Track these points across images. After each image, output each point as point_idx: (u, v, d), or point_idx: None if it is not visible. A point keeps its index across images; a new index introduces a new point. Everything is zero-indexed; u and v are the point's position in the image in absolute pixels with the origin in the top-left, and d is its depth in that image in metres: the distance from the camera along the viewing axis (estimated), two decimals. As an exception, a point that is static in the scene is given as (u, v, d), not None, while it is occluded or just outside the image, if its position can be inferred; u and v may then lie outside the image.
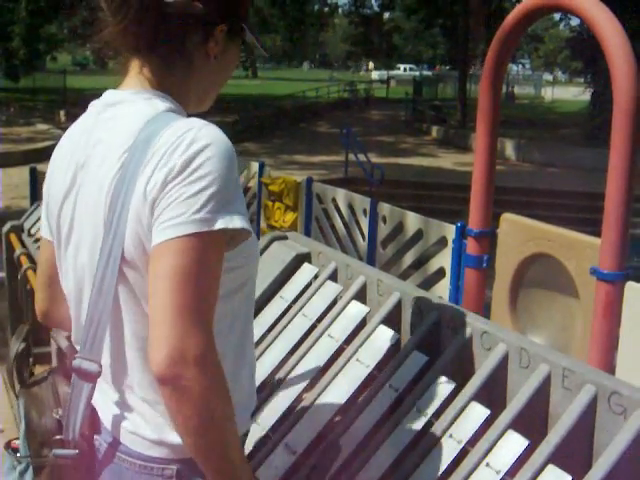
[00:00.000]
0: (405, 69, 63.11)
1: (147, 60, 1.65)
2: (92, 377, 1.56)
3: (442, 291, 5.96)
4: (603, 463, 1.67)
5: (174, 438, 1.54)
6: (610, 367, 4.21)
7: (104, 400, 1.64)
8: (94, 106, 1.69)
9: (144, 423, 1.59)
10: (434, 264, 6.44)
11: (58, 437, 1.59)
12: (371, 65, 64.03)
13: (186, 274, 1.42)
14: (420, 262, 6.76)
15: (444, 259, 6.21)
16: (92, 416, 1.62)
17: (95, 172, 1.57)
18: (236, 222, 1.48)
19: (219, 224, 1.45)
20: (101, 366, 1.56)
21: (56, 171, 1.68)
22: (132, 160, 1.50)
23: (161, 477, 1.57)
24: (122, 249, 1.50)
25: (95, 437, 1.63)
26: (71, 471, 1.58)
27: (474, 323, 2.10)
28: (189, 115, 1.66)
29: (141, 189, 1.48)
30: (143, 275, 1.50)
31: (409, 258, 6.91)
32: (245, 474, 1.52)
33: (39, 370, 3.40)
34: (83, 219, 1.60)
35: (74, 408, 1.58)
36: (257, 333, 2.45)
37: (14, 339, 2.30)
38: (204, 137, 1.49)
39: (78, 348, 1.60)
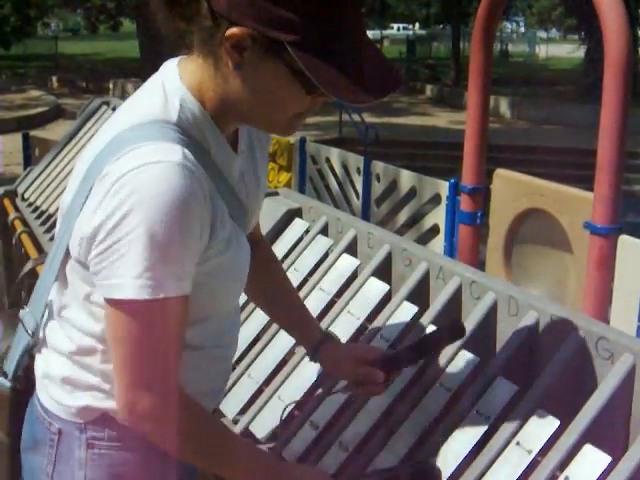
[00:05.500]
0: (399, 28, 62.73)
1: (195, 46, 1.48)
2: (29, 332, 1.64)
3: (436, 248, 5.98)
4: (591, 407, 1.68)
5: (55, 393, 1.60)
6: (604, 320, 4.23)
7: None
8: None
9: (40, 366, 1.64)
10: (428, 221, 6.46)
11: (1, 366, 1.69)
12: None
13: (123, 338, 1.42)
14: (414, 220, 6.78)
15: (438, 216, 6.23)
16: None
17: (89, 147, 1.54)
18: (184, 288, 1.40)
19: (161, 292, 1.37)
20: (38, 326, 1.63)
21: None
22: (98, 160, 1.43)
23: (48, 431, 1.60)
24: (67, 244, 1.50)
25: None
26: (5, 400, 1.68)
27: (463, 273, 2.11)
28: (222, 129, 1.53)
29: (87, 211, 1.42)
30: (73, 267, 1.51)
31: (403, 216, 6.93)
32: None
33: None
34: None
35: (14, 350, 1.67)
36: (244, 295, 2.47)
37: (30, 261, 2.40)
38: (151, 185, 1.34)
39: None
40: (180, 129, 1.44)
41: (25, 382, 1.67)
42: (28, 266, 2.35)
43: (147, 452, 1.57)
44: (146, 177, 1.34)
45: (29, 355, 1.66)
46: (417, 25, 55.39)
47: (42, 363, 1.64)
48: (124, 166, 1.37)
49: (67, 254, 1.51)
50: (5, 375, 1.67)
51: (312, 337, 1.96)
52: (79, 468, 1.56)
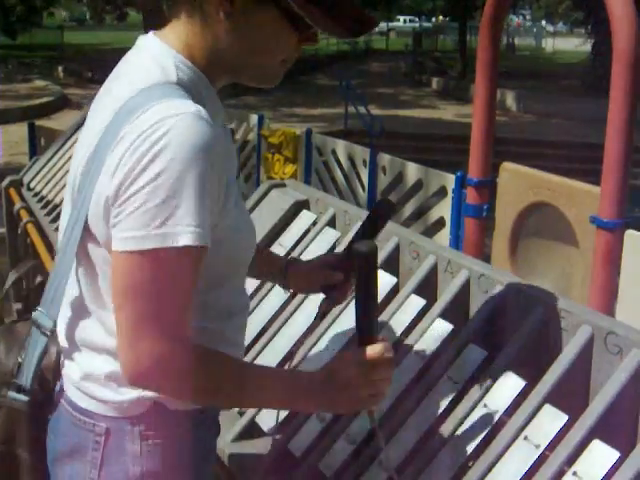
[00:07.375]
0: (405, 21, 62.69)
1: (174, 9, 1.54)
2: (46, 332, 1.58)
3: (442, 241, 5.98)
4: (599, 402, 1.68)
5: (100, 393, 1.54)
6: (610, 315, 4.22)
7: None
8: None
9: (76, 370, 1.58)
10: (434, 214, 6.45)
11: (15, 381, 1.60)
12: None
13: (139, 289, 1.39)
14: (420, 212, 6.77)
15: (444, 209, 6.22)
16: (56, 362, 1.66)
17: (90, 127, 1.54)
18: (203, 238, 1.39)
19: (183, 240, 1.36)
20: (56, 324, 1.57)
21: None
22: (110, 129, 1.43)
23: (92, 433, 1.55)
24: (86, 219, 1.46)
25: (57, 382, 1.66)
26: (23, 416, 1.60)
27: (471, 266, 2.11)
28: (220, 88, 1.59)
29: (107, 173, 1.40)
30: (101, 252, 1.47)
31: (409, 208, 6.92)
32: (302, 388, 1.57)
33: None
34: (71, 171, 1.58)
35: (29, 357, 1.60)
36: (257, 281, 2.47)
37: (12, 272, 2.29)
38: (175, 135, 1.35)
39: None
40: (182, 88, 1.47)
41: (41, 394, 1.62)
42: (10, 280, 2.26)
43: (195, 434, 1.58)
44: (168, 129, 1.36)
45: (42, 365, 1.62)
46: (440, 17, 55.11)
47: (77, 366, 1.58)
48: (144, 123, 1.38)
49: (86, 239, 1.49)
50: (19, 389, 1.60)
51: (279, 264, 1.99)
52: (134, 463, 1.52)
